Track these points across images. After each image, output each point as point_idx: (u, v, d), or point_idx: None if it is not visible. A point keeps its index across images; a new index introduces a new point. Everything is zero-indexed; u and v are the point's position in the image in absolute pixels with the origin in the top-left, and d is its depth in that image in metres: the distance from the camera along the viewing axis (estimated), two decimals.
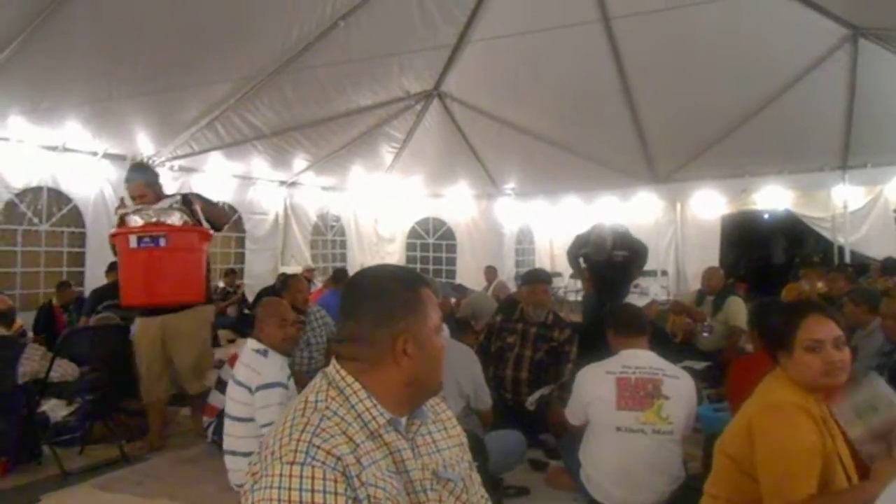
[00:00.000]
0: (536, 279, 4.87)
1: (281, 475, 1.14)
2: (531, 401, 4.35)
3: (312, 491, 1.13)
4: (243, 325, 8.65)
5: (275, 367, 3.41)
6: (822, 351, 1.95)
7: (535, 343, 4.59)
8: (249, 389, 3.32)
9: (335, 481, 1.15)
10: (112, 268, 7.14)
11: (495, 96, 9.39)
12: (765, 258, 15.13)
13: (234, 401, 3.41)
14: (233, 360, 4.18)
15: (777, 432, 1.88)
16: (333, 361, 1.39)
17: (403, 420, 1.37)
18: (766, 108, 8.20)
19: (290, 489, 1.13)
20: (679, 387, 3.16)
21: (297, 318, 4.12)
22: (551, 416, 4.04)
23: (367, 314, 1.36)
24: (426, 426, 1.45)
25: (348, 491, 1.16)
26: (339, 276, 8.40)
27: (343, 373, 1.35)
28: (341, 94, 8.57)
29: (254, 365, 3.40)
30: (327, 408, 1.28)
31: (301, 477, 1.14)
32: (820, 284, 6.87)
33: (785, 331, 2.02)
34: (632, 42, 7.57)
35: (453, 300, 8.32)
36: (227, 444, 3.41)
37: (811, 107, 8.04)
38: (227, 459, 3.42)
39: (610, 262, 6.45)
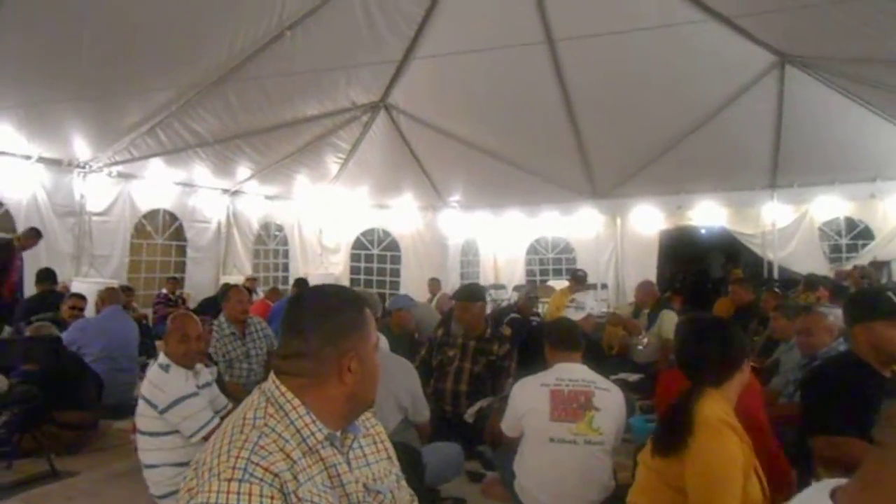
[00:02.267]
0: (463, 297, 4.85)
1: (218, 492, 1.16)
2: (470, 413, 4.41)
3: None
4: None
5: (178, 380, 3.42)
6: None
7: (474, 356, 4.65)
8: (154, 406, 3.35)
9: (272, 498, 1.17)
10: (43, 277, 6.94)
11: (442, 110, 9.49)
12: (701, 273, 15.62)
13: (141, 415, 3.44)
14: None
15: (707, 448, 1.97)
16: (272, 377, 1.41)
17: (339, 434, 1.41)
18: (700, 129, 8.57)
19: None
20: (610, 399, 3.27)
21: (206, 333, 4.21)
22: (489, 427, 4.11)
23: (315, 332, 1.40)
24: (357, 440, 1.50)
25: None
26: (300, 284, 8.60)
27: (283, 388, 1.37)
28: (287, 103, 8.54)
29: (156, 381, 3.42)
30: (265, 424, 1.30)
31: (238, 493, 1.15)
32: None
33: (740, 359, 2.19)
34: (575, 64, 7.80)
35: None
36: (142, 457, 3.45)
37: (742, 128, 8.44)
38: (144, 472, 3.44)
39: None
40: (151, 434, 3.41)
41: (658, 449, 2.12)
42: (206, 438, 3.28)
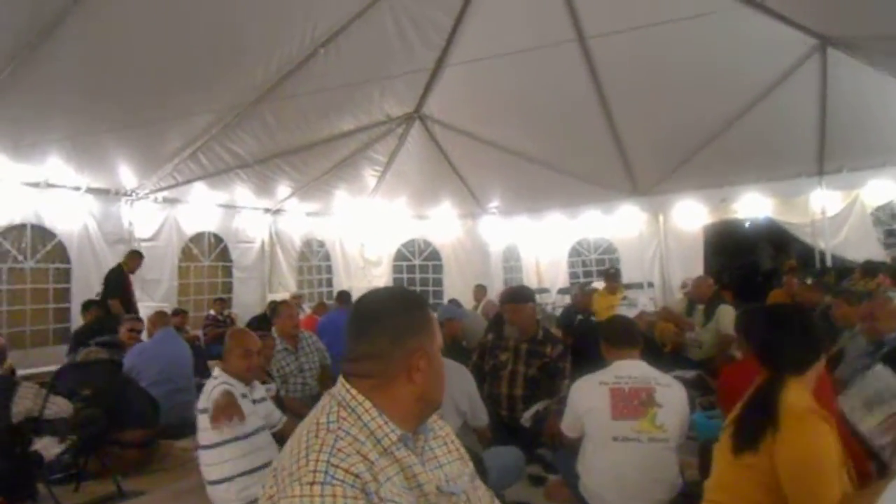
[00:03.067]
0: (512, 299, 4.85)
1: (301, 496, 1.16)
2: (527, 417, 4.36)
3: None
4: None
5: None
6: None
7: (527, 359, 4.60)
8: (208, 411, 3.38)
9: (355, 498, 1.17)
10: (87, 306, 7.14)
11: (476, 117, 9.48)
12: (749, 265, 15.28)
13: (201, 430, 3.48)
14: None
15: (805, 443, 1.89)
16: (341, 381, 1.42)
17: (411, 435, 1.40)
18: (741, 119, 8.36)
19: None
20: (672, 395, 3.20)
21: (267, 348, 4.35)
22: (548, 429, 4.06)
23: (384, 332, 1.40)
24: (428, 442, 1.48)
25: None
26: (343, 297, 8.87)
27: (353, 392, 1.37)
28: (323, 120, 8.65)
29: (211, 391, 3.46)
30: (339, 428, 1.30)
31: (322, 496, 1.15)
32: None
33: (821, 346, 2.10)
34: (608, 60, 7.70)
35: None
36: (205, 474, 3.48)
37: (785, 115, 8.21)
38: (208, 489, 3.48)
39: None
40: (213, 446, 3.43)
41: (742, 443, 2.03)
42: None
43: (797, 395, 2.00)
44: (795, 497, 1.86)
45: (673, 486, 3.15)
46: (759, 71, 7.63)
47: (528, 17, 7.19)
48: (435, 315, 1.50)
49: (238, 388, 3.51)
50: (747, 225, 13.17)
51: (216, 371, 3.62)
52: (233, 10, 6.02)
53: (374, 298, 1.52)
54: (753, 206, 10.44)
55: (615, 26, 6.76)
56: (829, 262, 9.72)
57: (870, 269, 6.71)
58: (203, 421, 3.46)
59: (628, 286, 8.69)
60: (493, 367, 4.70)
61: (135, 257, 7.99)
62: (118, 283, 7.72)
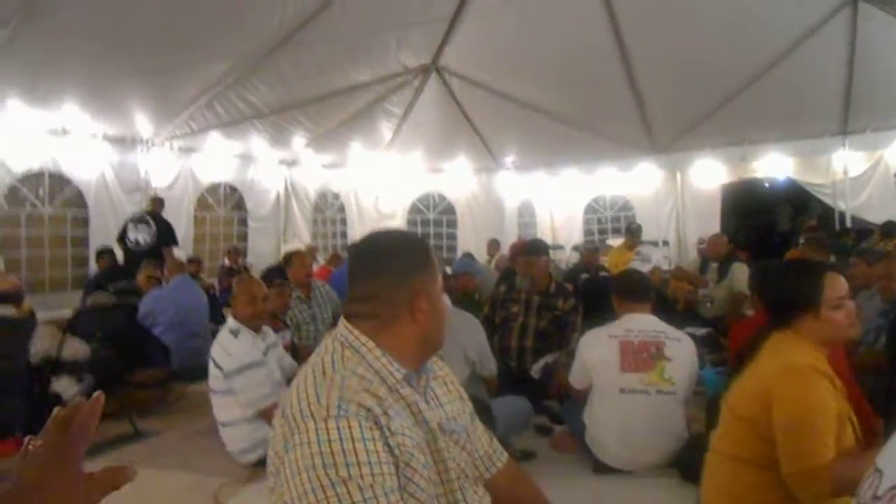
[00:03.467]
0: (527, 251, 4.90)
1: (317, 430, 1.17)
2: (535, 369, 4.42)
3: (353, 439, 1.16)
4: None
5: (245, 345, 3.56)
6: (845, 306, 2.01)
7: (538, 312, 4.64)
8: (220, 368, 3.52)
9: (370, 429, 1.19)
10: (101, 254, 7.24)
11: (493, 70, 9.32)
12: (767, 226, 15.13)
13: (212, 376, 3.64)
14: None
15: (798, 397, 1.89)
16: (342, 322, 1.42)
17: (414, 374, 1.42)
18: (765, 75, 8.15)
19: (329, 441, 1.15)
20: (681, 349, 3.22)
21: (277, 293, 4.49)
22: (556, 381, 4.10)
23: (387, 272, 1.40)
24: (429, 383, 1.50)
25: (384, 440, 1.20)
26: (353, 249, 8.67)
27: (356, 332, 1.38)
28: (338, 71, 8.53)
29: (225, 345, 3.58)
30: (345, 367, 1.31)
31: (338, 429, 1.17)
32: None
33: (812, 292, 2.03)
34: (629, 9, 7.49)
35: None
36: (217, 416, 3.68)
37: (811, 72, 7.99)
38: (220, 430, 3.67)
39: None
40: (222, 393, 3.58)
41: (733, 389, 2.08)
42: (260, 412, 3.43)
43: (797, 349, 2.00)
44: (785, 451, 1.86)
45: (679, 437, 3.19)
46: (786, 23, 7.39)
47: None
48: (435, 257, 1.49)
49: (248, 337, 3.60)
50: (767, 185, 13.01)
51: (230, 320, 3.72)
52: None
53: (377, 240, 1.52)
54: (774, 165, 10.30)
55: None
56: (849, 224, 9.60)
57: (889, 230, 6.61)
58: (212, 368, 3.60)
59: (642, 243, 8.64)
60: (504, 319, 4.73)
61: (159, 204, 8.05)
62: (169, 229, 7.86)
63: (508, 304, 4.76)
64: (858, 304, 4.47)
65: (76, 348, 4.18)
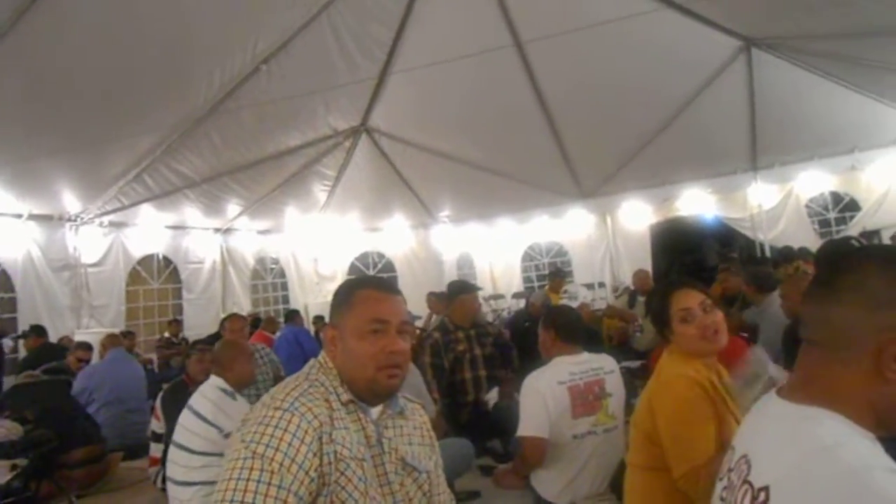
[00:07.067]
0: (465, 289, 5.21)
1: (266, 415, 1.37)
2: (490, 396, 4.65)
3: (285, 430, 1.34)
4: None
5: (244, 409, 3.19)
6: (694, 318, 2.19)
7: (479, 340, 4.92)
8: (215, 427, 3.23)
9: (306, 432, 1.36)
10: (27, 334, 7.01)
11: (421, 127, 9.61)
12: (696, 262, 15.69)
13: (187, 430, 3.28)
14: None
15: (671, 407, 2.09)
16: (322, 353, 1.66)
17: (371, 408, 1.56)
18: (676, 119, 8.69)
19: (267, 425, 1.34)
20: (616, 380, 3.30)
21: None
22: (518, 462, 3.99)
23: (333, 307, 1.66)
24: (402, 420, 1.64)
25: (313, 445, 1.36)
26: (291, 315, 9.13)
27: (328, 357, 1.61)
28: (269, 136, 8.67)
29: (222, 405, 3.34)
30: (315, 379, 1.53)
31: (280, 419, 1.36)
32: None
33: (661, 309, 2.25)
34: (545, 67, 7.95)
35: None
36: (170, 471, 3.29)
37: (717, 115, 8.56)
38: (169, 486, 3.27)
39: None
40: (187, 450, 3.24)
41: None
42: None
43: (671, 362, 2.22)
44: (670, 456, 2.05)
45: (617, 465, 3.25)
46: (687, 74, 7.97)
47: (465, 25, 7.35)
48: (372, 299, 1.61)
49: (244, 406, 3.35)
50: (693, 222, 13.56)
51: (220, 382, 3.43)
52: (172, 29, 6.01)
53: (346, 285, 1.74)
54: (696, 202, 10.79)
55: (546, 30, 6.98)
56: (768, 253, 10.08)
57: (785, 255, 7.02)
58: (196, 425, 3.26)
59: (570, 282, 8.96)
60: (454, 359, 4.84)
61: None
62: None
63: (453, 345, 4.86)
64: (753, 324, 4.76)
65: (6, 429, 4.03)
